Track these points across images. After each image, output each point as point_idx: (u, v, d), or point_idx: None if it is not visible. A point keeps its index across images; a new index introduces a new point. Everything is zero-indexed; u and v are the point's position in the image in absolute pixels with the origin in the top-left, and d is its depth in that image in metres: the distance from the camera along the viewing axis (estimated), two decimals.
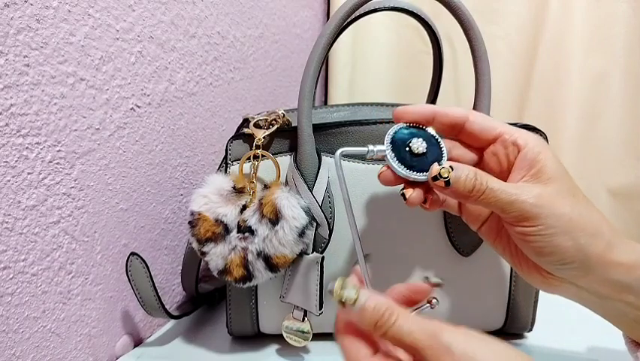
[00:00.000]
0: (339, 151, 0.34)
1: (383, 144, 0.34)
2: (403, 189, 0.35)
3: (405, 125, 0.35)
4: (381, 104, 0.51)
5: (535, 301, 0.48)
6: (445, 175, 0.32)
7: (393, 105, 0.51)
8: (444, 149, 0.35)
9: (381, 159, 0.35)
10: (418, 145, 0.34)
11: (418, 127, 0.36)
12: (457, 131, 0.36)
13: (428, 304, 0.31)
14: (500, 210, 0.32)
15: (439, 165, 0.33)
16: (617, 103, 0.86)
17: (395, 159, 0.34)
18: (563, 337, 0.48)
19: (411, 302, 0.31)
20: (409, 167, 0.34)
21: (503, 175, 0.34)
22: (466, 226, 0.45)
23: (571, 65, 0.86)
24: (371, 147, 0.34)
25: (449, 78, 0.88)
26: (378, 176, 0.35)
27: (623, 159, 0.88)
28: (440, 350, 0.25)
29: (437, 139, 0.35)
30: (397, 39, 0.92)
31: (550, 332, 0.48)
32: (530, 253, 0.33)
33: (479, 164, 0.36)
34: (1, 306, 0.35)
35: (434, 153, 0.34)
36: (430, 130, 0.35)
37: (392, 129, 0.35)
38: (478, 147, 0.36)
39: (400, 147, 0.34)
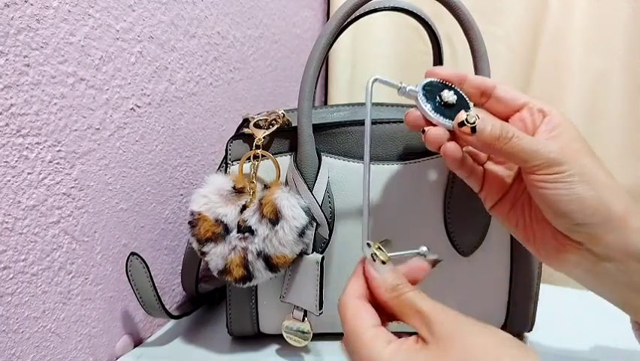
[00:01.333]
0: (372, 78, 0.34)
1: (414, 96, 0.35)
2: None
3: (437, 80, 0.36)
4: (382, 104, 0.51)
5: (535, 302, 0.48)
6: (472, 121, 0.32)
7: (393, 105, 0.51)
8: (471, 105, 0.36)
9: (412, 100, 0.35)
10: (449, 96, 0.34)
11: (448, 84, 0.36)
12: (485, 97, 0.36)
13: (417, 251, 0.32)
14: (524, 160, 0.32)
15: (465, 110, 0.33)
16: (617, 103, 0.86)
17: (426, 101, 0.34)
18: (563, 337, 0.48)
19: (413, 283, 0.32)
20: (438, 113, 0.34)
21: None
22: (466, 226, 0.45)
23: (571, 65, 0.86)
24: (404, 85, 0.35)
25: None
26: (406, 115, 0.36)
27: (623, 159, 0.88)
28: (443, 323, 0.27)
29: (465, 98, 0.36)
30: (397, 39, 0.92)
31: (550, 332, 0.48)
32: (550, 207, 0.33)
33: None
34: (1, 306, 0.35)
35: (463, 107, 0.35)
36: (459, 90, 0.36)
37: (425, 79, 0.36)
38: (504, 115, 0.36)
39: (431, 94, 0.35)
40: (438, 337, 0.27)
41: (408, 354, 0.27)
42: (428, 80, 0.36)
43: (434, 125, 0.34)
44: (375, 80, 0.34)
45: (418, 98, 0.34)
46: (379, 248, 0.31)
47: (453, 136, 0.34)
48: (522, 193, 0.36)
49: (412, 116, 0.35)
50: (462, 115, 0.33)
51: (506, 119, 0.36)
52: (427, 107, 0.34)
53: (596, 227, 0.32)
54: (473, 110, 0.34)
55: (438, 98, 0.35)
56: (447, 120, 0.34)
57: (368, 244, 0.31)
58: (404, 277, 0.31)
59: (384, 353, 0.27)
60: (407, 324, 0.29)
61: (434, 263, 0.33)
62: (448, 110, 0.34)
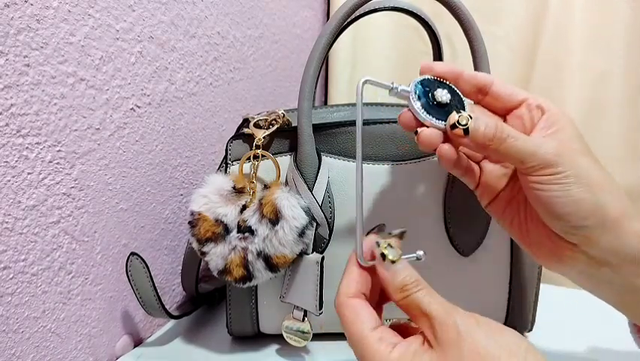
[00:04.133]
0: (363, 79, 0.33)
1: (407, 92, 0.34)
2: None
3: (431, 77, 0.35)
4: (381, 104, 0.51)
5: (536, 301, 0.48)
6: (464, 122, 0.31)
7: (393, 105, 0.51)
8: (466, 103, 0.35)
9: (404, 100, 0.34)
10: (442, 95, 0.33)
11: (443, 81, 0.35)
12: (482, 94, 0.35)
13: (414, 255, 0.31)
14: (520, 161, 0.31)
15: (457, 111, 0.32)
16: (617, 103, 0.86)
17: (418, 102, 0.33)
18: (563, 337, 0.48)
19: None
20: (431, 113, 0.33)
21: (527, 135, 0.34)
22: (466, 226, 0.45)
23: (571, 65, 0.86)
24: (396, 84, 0.34)
25: None
26: (399, 117, 0.35)
27: (623, 160, 0.88)
28: (450, 326, 0.27)
29: (460, 95, 0.35)
30: (397, 39, 0.92)
31: (550, 332, 0.48)
32: (545, 208, 0.32)
33: None
34: (1, 306, 0.35)
35: (457, 105, 0.34)
36: (454, 87, 0.35)
37: (418, 77, 0.35)
38: (501, 112, 0.36)
39: (424, 93, 0.34)
40: (442, 342, 0.27)
41: (414, 358, 0.27)
42: (422, 77, 0.35)
43: (427, 126, 0.33)
44: (366, 81, 0.33)
45: (410, 99, 0.33)
46: (389, 246, 0.30)
47: (447, 137, 0.33)
48: (518, 192, 0.36)
49: (405, 117, 0.34)
50: (454, 116, 0.32)
51: (504, 116, 0.36)
52: (419, 108, 0.33)
53: (591, 230, 0.32)
54: (466, 110, 0.33)
55: (431, 97, 0.34)
56: (439, 121, 0.33)
57: (377, 243, 0.30)
58: (415, 275, 0.30)
59: (389, 358, 0.27)
60: (416, 324, 0.29)
61: (401, 236, 0.33)
62: (441, 109, 0.33)
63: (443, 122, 0.33)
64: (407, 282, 0.29)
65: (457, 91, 0.35)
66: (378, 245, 0.30)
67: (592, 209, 0.31)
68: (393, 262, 0.30)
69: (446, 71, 0.35)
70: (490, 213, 0.38)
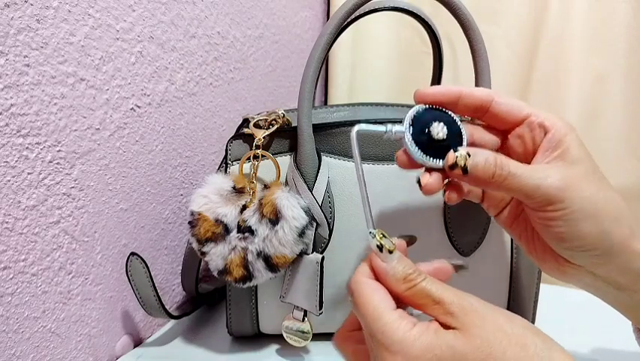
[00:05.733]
0: (355, 128, 0.31)
1: (402, 123, 0.32)
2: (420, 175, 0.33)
3: (426, 106, 0.33)
4: (381, 104, 0.51)
5: (536, 301, 0.48)
6: (462, 163, 0.30)
7: (393, 105, 0.51)
8: (464, 135, 0.33)
9: (399, 140, 0.33)
10: (439, 130, 0.32)
11: (439, 109, 0.33)
12: (481, 113, 0.34)
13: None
14: (524, 196, 0.31)
15: (455, 151, 0.31)
16: (617, 103, 0.86)
17: (413, 142, 0.32)
18: (563, 337, 0.48)
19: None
20: (428, 152, 0.32)
21: (528, 157, 0.33)
22: (466, 226, 0.45)
23: (571, 65, 0.86)
24: (390, 126, 0.32)
25: (449, 78, 0.88)
26: (396, 158, 0.33)
27: (623, 160, 0.88)
28: (468, 308, 0.27)
29: (459, 124, 0.33)
30: (397, 39, 0.92)
31: (550, 332, 0.48)
32: (551, 239, 0.32)
33: (503, 147, 0.35)
34: (1, 306, 0.35)
35: (454, 139, 0.33)
36: (452, 113, 0.34)
37: (412, 110, 0.33)
38: (503, 129, 0.35)
39: (419, 129, 0.32)
40: (463, 323, 0.26)
41: (437, 336, 0.26)
42: (416, 108, 0.33)
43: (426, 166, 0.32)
44: (359, 130, 0.32)
45: (406, 140, 0.32)
46: (384, 236, 0.29)
47: (447, 174, 0.32)
48: (522, 211, 0.35)
49: (402, 160, 0.33)
50: (451, 157, 0.30)
51: (505, 134, 0.35)
52: (416, 151, 0.31)
53: (598, 256, 0.32)
54: (465, 142, 0.32)
55: (427, 133, 0.32)
56: (438, 160, 0.32)
57: (372, 234, 0.30)
58: (412, 264, 0.29)
59: (409, 335, 0.26)
60: (426, 313, 0.28)
61: (457, 269, 0.32)
62: (439, 145, 0.32)
63: (442, 160, 0.32)
64: (408, 271, 0.29)
65: (455, 119, 0.33)
66: (374, 236, 0.30)
67: (599, 239, 0.31)
68: (390, 252, 0.29)
69: (443, 99, 0.33)
70: (499, 224, 0.38)
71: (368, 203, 0.31)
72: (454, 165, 0.30)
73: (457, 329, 0.26)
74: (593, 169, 0.32)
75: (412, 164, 0.33)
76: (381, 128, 0.32)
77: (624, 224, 0.31)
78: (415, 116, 0.33)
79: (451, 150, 0.31)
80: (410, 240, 0.32)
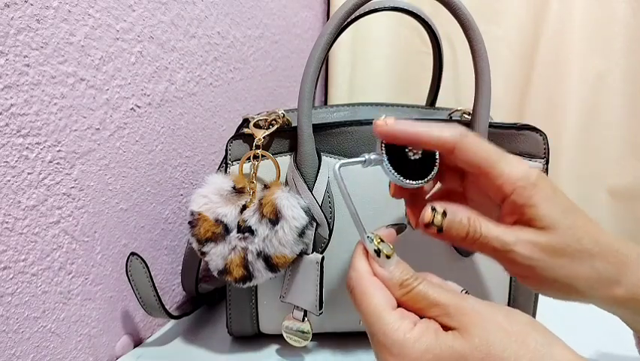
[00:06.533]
0: (337, 165, 0.32)
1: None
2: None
3: None
4: (381, 104, 0.51)
5: (536, 301, 0.48)
6: (439, 223, 0.30)
7: (393, 105, 0.51)
8: (436, 156, 0.33)
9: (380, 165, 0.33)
10: (415, 152, 0.32)
11: None
12: (446, 153, 0.32)
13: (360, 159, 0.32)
14: (495, 257, 0.31)
15: (432, 208, 0.30)
16: (617, 103, 0.86)
17: (391, 167, 0.32)
18: (563, 337, 0.48)
19: None
20: (405, 171, 0.32)
21: (498, 207, 0.32)
22: None
23: (571, 65, 0.86)
24: (367, 156, 0.32)
25: (449, 78, 0.88)
26: (393, 196, 0.34)
27: (623, 160, 0.88)
28: (466, 308, 0.27)
29: None
30: (397, 39, 0.92)
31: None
32: (522, 283, 0.33)
33: (466, 180, 0.34)
34: (1, 306, 0.35)
35: (428, 155, 0.33)
36: None
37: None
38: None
39: (395, 151, 0.32)
40: (463, 325, 0.26)
41: (436, 337, 0.26)
42: None
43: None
44: (341, 165, 0.32)
45: (384, 167, 0.32)
46: (381, 241, 0.30)
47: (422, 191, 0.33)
48: None
49: (395, 192, 0.33)
50: (427, 216, 0.30)
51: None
52: (396, 176, 0.32)
53: (576, 300, 0.32)
54: (439, 206, 0.31)
55: (403, 154, 0.32)
56: (415, 182, 0.32)
57: (370, 238, 0.30)
58: (410, 269, 0.29)
59: (410, 337, 0.26)
60: (425, 317, 0.28)
61: (399, 230, 0.32)
62: (417, 165, 0.32)
63: (421, 181, 0.32)
64: (405, 276, 0.29)
65: None
66: (371, 240, 0.30)
67: (570, 296, 0.31)
68: (388, 257, 0.29)
69: (396, 139, 0.31)
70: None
71: (358, 217, 0.31)
72: (430, 224, 0.30)
73: (455, 330, 0.26)
74: (572, 228, 0.30)
75: (402, 191, 0.34)
76: (360, 159, 0.33)
77: (603, 282, 0.31)
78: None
79: (428, 207, 0.31)
80: (399, 228, 0.32)
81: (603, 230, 0.32)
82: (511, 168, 0.30)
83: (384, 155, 0.32)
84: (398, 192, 0.34)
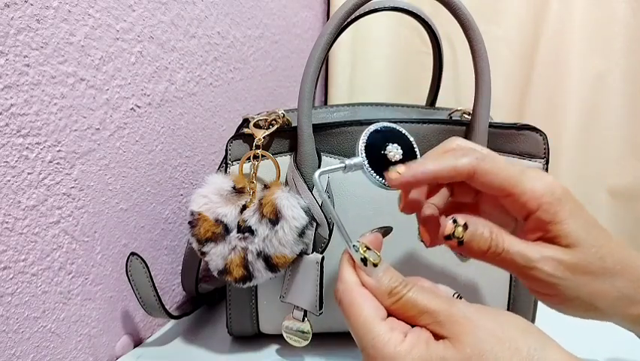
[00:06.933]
0: (316, 173, 0.31)
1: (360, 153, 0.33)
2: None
3: (377, 127, 0.33)
4: (381, 104, 0.51)
5: (536, 301, 0.48)
6: (460, 236, 0.29)
7: (393, 105, 0.51)
8: (415, 147, 0.33)
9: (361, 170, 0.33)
10: (395, 153, 0.33)
11: (390, 128, 0.34)
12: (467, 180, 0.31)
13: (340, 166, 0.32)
14: (516, 273, 0.31)
15: (453, 221, 0.30)
16: (617, 103, 0.86)
17: (372, 171, 0.32)
18: (563, 337, 0.48)
19: None
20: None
21: (517, 223, 0.32)
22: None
23: (571, 65, 0.86)
24: (347, 162, 0.32)
25: (449, 78, 0.88)
26: (402, 210, 0.34)
27: (623, 160, 0.88)
28: (456, 315, 0.26)
29: (409, 138, 0.34)
30: (397, 39, 0.92)
31: (550, 332, 0.48)
32: (542, 300, 0.33)
33: (480, 195, 0.33)
34: (1, 306, 0.35)
35: (409, 154, 0.33)
36: (400, 128, 0.34)
37: (363, 137, 0.33)
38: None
39: (375, 153, 0.32)
40: (454, 333, 0.26)
41: (428, 348, 0.26)
42: (366, 134, 0.33)
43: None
44: (321, 173, 0.31)
45: (365, 171, 0.32)
46: (367, 249, 0.29)
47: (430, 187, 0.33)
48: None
49: (406, 205, 0.33)
50: (449, 228, 0.30)
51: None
52: (376, 179, 0.32)
53: (594, 317, 0.32)
54: (461, 219, 0.30)
55: (383, 155, 0.32)
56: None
57: (355, 248, 0.29)
58: (398, 276, 0.28)
59: (400, 350, 0.26)
60: (416, 325, 0.28)
61: (385, 233, 0.31)
62: (395, 164, 0.32)
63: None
64: (393, 284, 0.28)
65: (404, 133, 0.34)
66: (357, 250, 0.29)
67: (590, 314, 0.31)
68: (375, 265, 0.28)
69: (417, 184, 0.32)
70: None
71: (342, 225, 0.31)
72: (450, 237, 0.30)
73: (447, 339, 0.26)
74: (595, 246, 0.30)
75: (412, 207, 0.33)
76: (340, 165, 0.32)
77: (623, 301, 0.31)
78: (366, 142, 0.33)
79: (450, 220, 0.30)
80: (385, 231, 0.32)
81: (625, 246, 0.31)
82: (534, 184, 0.29)
83: (365, 159, 0.32)
84: (409, 206, 0.33)
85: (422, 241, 0.33)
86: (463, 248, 0.30)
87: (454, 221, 0.30)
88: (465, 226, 0.29)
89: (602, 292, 0.30)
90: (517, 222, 0.33)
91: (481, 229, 0.29)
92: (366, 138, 0.33)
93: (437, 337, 0.26)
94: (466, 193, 0.34)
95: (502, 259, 0.29)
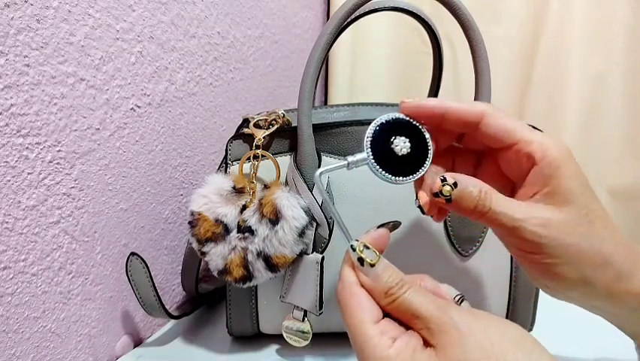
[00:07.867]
0: (317, 172, 0.31)
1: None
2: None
3: (383, 120, 0.32)
4: (381, 104, 0.51)
5: (536, 301, 0.48)
6: (447, 194, 0.30)
7: (393, 105, 0.51)
8: (429, 143, 0.32)
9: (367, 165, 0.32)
10: (402, 146, 0.31)
11: (402, 120, 0.32)
12: (470, 130, 0.32)
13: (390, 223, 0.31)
14: (502, 234, 0.31)
15: (442, 179, 0.30)
16: (617, 103, 0.86)
17: (377, 166, 0.31)
18: (563, 337, 0.48)
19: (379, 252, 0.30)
20: (396, 169, 0.31)
21: (520, 181, 0.31)
22: (466, 226, 0.45)
23: (571, 65, 0.86)
24: (351, 158, 0.31)
25: (449, 78, 0.88)
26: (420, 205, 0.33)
27: (623, 160, 0.88)
28: (447, 324, 0.26)
29: (424, 135, 0.32)
30: (397, 39, 0.92)
31: (550, 332, 0.48)
32: (529, 273, 0.32)
33: (495, 165, 0.33)
34: (1, 306, 0.35)
35: (419, 149, 0.32)
36: (412, 120, 0.32)
37: (370, 130, 0.32)
38: (487, 150, 0.33)
39: (381, 149, 0.31)
40: (442, 344, 0.26)
41: (413, 357, 0.26)
42: (372, 128, 0.31)
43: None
44: (322, 173, 0.31)
45: (371, 167, 0.31)
46: (366, 247, 0.29)
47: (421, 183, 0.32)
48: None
49: (424, 201, 0.32)
50: (437, 185, 0.30)
51: (495, 151, 0.33)
52: (383, 174, 0.31)
53: (580, 294, 0.31)
54: (450, 177, 0.30)
55: (390, 150, 0.31)
56: (408, 177, 0.32)
57: (352, 248, 0.29)
58: (398, 275, 0.28)
59: (385, 356, 0.26)
60: (410, 327, 0.28)
61: (392, 228, 0.31)
62: (405, 161, 0.31)
63: (413, 175, 0.32)
64: (390, 284, 0.28)
65: (422, 130, 0.32)
66: (354, 249, 0.29)
67: (579, 283, 0.30)
68: (372, 265, 0.28)
69: (424, 113, 0.32)
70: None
71: (342, 224, 0.31)
72: (439, 194, 0.30)
73: (434, 348, 0.26)
74: (587, 210, 0.30)
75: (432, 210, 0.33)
76: (342, 162, 0.32)
77: (610, 268, 0.30)
78: (372, 136, 0.32)
79: (438, 179, 0.30)
80: (393, 225, 0.32)
81: (620, 233, 0.31)
82: (542, 136, 0.30)
83: (370, 154, 0.31)
84: (433, 209, 0.32)
85: (419, 207, 0.32)
86: (451, 206, 0.30)
87: (443, 179, 0.30)
88: (454, 185, 0.30)
89: (588, 258, 0.30)
90: (514, 187, 0.33)
91: (471, 188, 0.30)
92: (371, 133, 0.32)
93: (427, 344, 0.27)
94: (467, 164, 0.34)
95: (488, 217, 0.29)
